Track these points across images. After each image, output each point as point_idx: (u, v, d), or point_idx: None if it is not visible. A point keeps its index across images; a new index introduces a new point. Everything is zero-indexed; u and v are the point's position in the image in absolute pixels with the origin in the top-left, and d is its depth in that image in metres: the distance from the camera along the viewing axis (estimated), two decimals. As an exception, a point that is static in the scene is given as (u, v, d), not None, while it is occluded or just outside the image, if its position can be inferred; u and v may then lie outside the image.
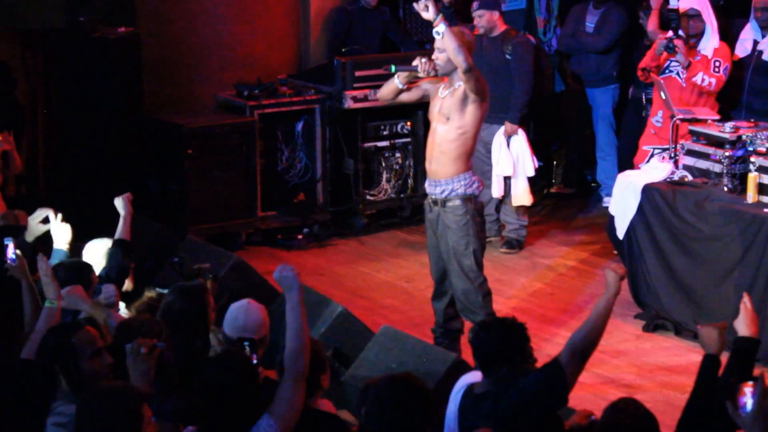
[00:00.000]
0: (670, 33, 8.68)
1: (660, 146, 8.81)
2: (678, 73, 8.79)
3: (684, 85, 8.73)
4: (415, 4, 6.76)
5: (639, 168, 8.53)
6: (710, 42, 8.70)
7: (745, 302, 4.55)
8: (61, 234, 6.25)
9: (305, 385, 4.53)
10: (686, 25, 8.70)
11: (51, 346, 4.62)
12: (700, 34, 8.72)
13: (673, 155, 8.05)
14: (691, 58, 8.65)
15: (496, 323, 4.88)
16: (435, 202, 7.05)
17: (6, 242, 5.47)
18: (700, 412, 4.40)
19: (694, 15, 8.69)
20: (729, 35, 8.97)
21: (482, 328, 4.86)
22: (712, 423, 4.30)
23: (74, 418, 4.30)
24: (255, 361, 4.87)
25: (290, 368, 4.51)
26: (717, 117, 8.28)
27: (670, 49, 8.66)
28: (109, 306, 5.60)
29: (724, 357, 4.42)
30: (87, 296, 5.56)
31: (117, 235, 6.27)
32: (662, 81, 8.61)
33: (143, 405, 4.13)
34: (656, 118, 8.99)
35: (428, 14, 6.68)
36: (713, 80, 8.64)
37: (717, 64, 8.68)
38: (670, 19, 8.75)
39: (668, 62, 8.82)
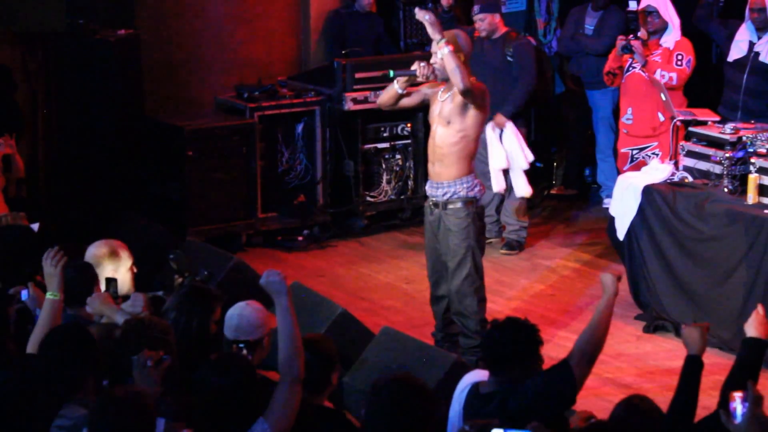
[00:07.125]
0: (630, 35, 8.80)
1: (636, 146, 8.88)
2: (642, 69, 8.86)
3: (648, 79, 8.82)
4: (416, 12, 6.78)
5: (624, 172, 8.57)
6: (672, 35, 8.83)
7: (758, 310, 4.56)
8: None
9: (301, 388, 4.52)
10: (645, 21, 8.83)
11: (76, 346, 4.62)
12: (660, 30, 8.87)
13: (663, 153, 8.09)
14: (648, 56, 8.73)
15: (510, 323, 4.82)
16: (436, 205, 7.04)
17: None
18: (683, 414, 4.39)
19: (652, 11, 8.85)
20: (693, 32, 9.15)
21: (495, 328, 4.82)
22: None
23: (78, 422, 4.30)
24: None
25: (285, 373, 4.51)
26: (717, 118, 8.29)
27: (628, 49, 8.82)
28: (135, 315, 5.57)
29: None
30: (113, 302, 5.55)
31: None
32: (662, 82, 8.63)
33: (155, 411, 4.14)
34: (626, 116, 9.09)
35: (432, 33, 6.73)
36: (674, 74, 8.74)
37: (679, 57, 8.81)
38: (630, 20, 8.90)
39: (630, 60, 8.96)
